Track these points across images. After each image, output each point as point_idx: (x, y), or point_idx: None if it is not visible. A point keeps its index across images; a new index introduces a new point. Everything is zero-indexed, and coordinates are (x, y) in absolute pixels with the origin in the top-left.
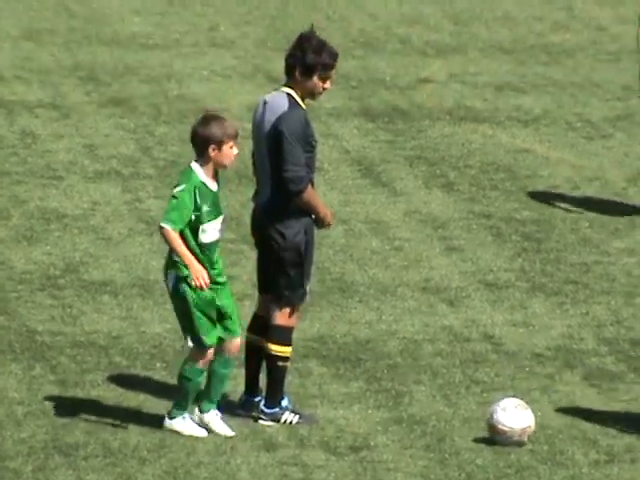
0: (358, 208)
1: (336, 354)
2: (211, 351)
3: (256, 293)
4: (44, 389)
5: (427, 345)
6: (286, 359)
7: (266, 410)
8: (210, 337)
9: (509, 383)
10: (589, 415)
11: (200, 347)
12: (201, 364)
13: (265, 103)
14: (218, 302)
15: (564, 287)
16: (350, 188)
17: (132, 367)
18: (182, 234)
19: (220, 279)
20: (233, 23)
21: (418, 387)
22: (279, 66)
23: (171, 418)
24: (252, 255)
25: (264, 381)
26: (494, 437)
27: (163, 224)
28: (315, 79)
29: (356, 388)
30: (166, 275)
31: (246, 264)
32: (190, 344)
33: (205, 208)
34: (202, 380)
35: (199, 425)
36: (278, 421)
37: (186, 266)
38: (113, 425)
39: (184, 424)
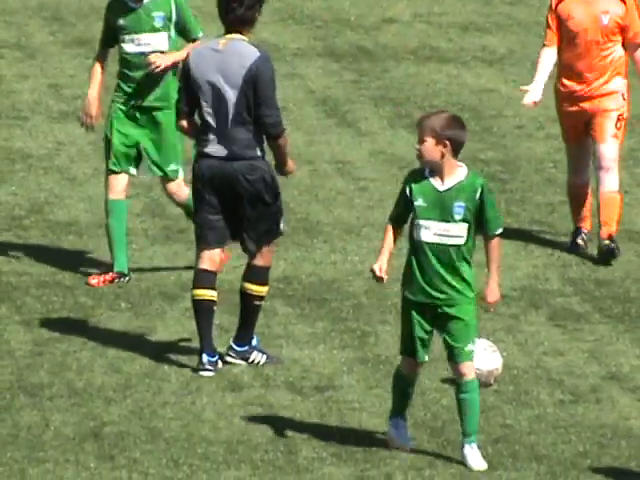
0: (323, 148)
1: (301, 294)
2: None
3: None
4: (9, 329)
5: (393, 285)
6: (262, 298)
7: (237, 348)
8: None
9: None
10: (554, 355)
11: None
12: None
13: (218, 51)
14: None
15: (529, 228)
16: (315, 128)
17: (97, 307)
18: None
19: None
20: None
21: (383, 327)
22: None
23: None
24: None
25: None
26: None
27: None
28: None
29: (321, 328)
30: None
31: None
32: None
33: None
34: None
35: None
36: (246, 360)
37: None
38: (78, 365)
39: None
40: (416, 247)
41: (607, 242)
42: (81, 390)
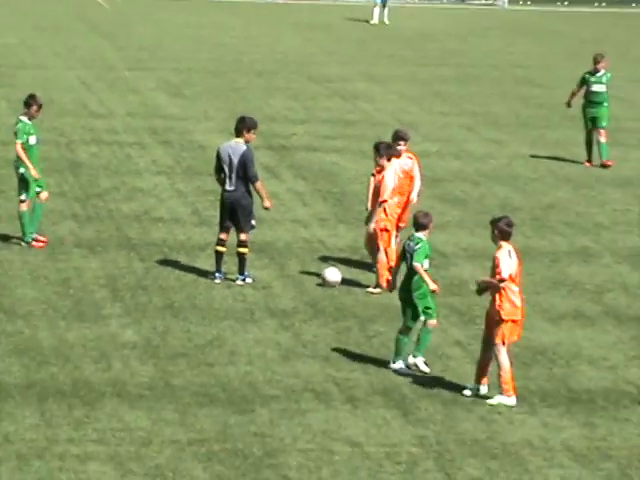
0: None
1: None
2: None
3: None
4: None
5: None
6: (247, 253)
7: (241, 277)
8: None
9: None
10: None
11: None
12: None
13: (230, 147)
14: None
15: None
16: None
17: None
18: None
19: None
20: None
21: None
22: None
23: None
24: None
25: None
26: None
27: None
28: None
29: None
30: None
31: None
32: None
33: None
34: None
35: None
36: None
37: None
38: None
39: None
40: None
41: None
42: None
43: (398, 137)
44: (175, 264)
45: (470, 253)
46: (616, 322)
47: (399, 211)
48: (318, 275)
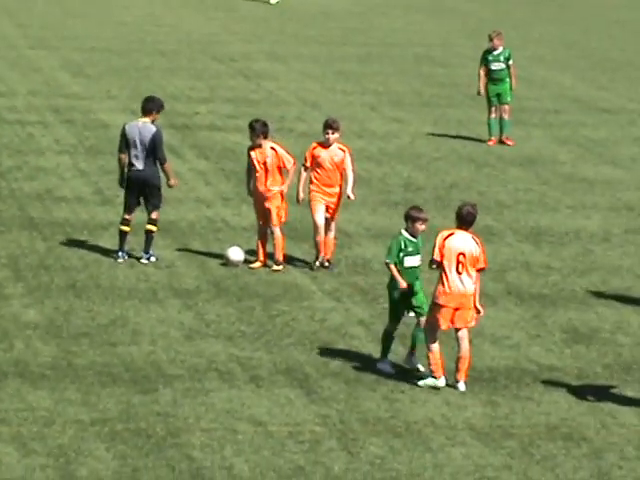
0: None
1: None
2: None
3: None
4: None
5: None
6: (155, 232)
7: (146, 255)
8: None
9: None
10: None
11: None
12: None
13: (136, 126)
14: None
15: None
16: None
17: None
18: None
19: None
20: None
21: None
22: None
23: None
24: None
25: None
26: None
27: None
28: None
29: None
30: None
31: None
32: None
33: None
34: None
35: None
36: (149, 259)
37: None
38: None
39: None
40: None
41: None
42: None
43: (325, 125)
44: (78, 243)
45: (373, 232)
46: (518, 301)
47: (332, 200)
48: (221, 255)
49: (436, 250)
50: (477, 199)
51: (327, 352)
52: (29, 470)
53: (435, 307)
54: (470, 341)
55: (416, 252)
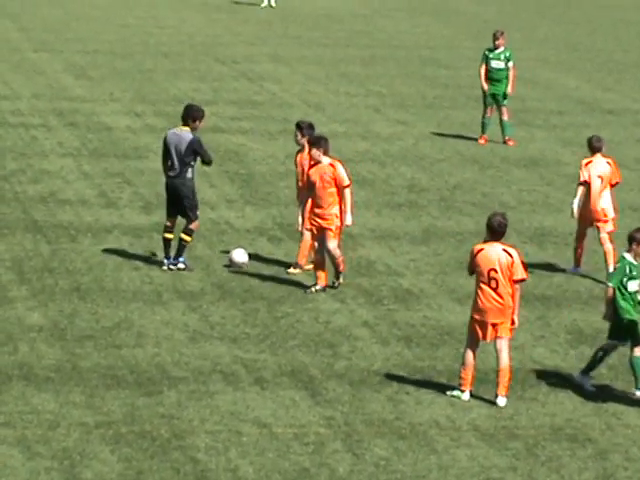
0: None
1: None
2: None
3: None
4: None
5: None
6: (188, 242)
7: (181, 260)
8: None
9: None
10: None
11: None
12: None
13: (175, 134)
14: None
15: None
16: None
17: None
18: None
19: None
20: None
21: None
22: None
23: None
24: None
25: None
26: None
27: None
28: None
29: None
30: None
31: None
32: None
33: None
34: None
35: None
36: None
37: None
38: None
39: None
40: None
41: None
42: None
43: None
44: (82, 246)
45: (377, 234)
46: (523, 302)
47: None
48: (226, 257)
49: (469, 267)
50: (481, 200)
51: (332, 354)
52: (34, 473)
53: (471, 320)
54: (510, 356)
55: (638, 276)
